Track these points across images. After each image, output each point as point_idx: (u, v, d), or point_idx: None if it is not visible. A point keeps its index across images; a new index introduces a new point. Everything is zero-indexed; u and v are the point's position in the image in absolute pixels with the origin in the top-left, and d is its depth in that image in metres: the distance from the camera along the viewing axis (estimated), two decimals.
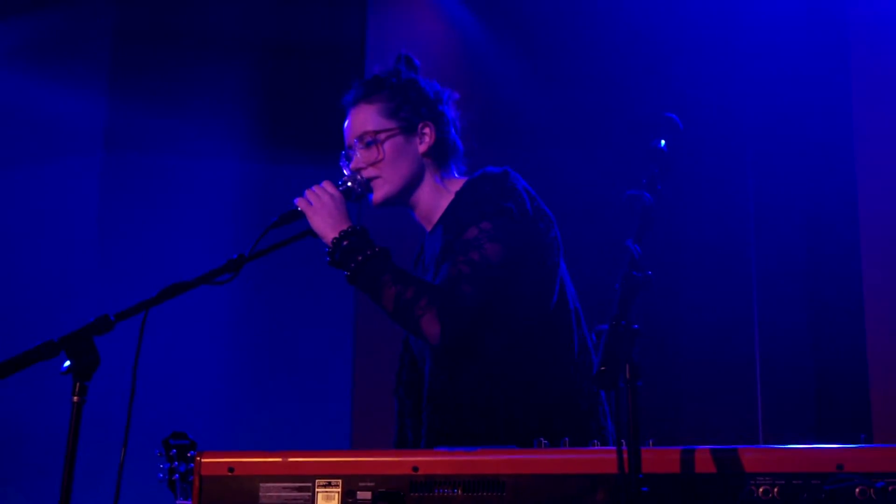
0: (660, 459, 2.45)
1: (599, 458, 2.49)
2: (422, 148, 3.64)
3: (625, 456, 2.28)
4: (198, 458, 2.67)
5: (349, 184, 3.59)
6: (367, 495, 2.57)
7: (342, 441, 6.53)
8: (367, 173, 3.61)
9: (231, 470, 2.66)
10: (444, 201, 3.62)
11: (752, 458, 2.42)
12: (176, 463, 4.46)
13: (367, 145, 3.61)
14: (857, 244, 5.56)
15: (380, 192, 3.62)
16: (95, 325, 2.90)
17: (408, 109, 3.64)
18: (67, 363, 2.84)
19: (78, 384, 2.82)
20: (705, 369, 6.13)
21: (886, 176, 5.53)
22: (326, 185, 3.55)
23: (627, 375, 2.29)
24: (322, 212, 3.49)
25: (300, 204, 3.53)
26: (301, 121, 7.06)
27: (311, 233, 3.54)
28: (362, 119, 3.64)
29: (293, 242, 3.54)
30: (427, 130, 3.65)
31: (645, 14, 6.30)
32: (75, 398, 2.81)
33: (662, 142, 2.75)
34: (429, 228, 3.70)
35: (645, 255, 2.46)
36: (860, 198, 5.57)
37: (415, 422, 3.61)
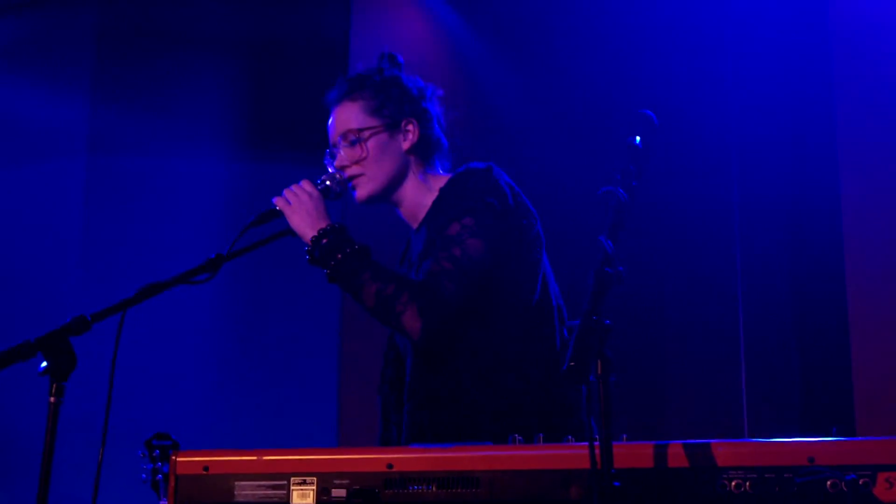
0: (632, 454, 2.45)
1: (573, 454, 2.49)
2: (405, 145, 3.65)
3: (597, 451, 2.29)
4: (173, 458, 2.69)
5: (328, 182, 3.59)
6: (342, 493, 2.58)
7: (329, 439, 6.53)
8: (350, 171, 3.61)
9: (206, 469, 2.67)
10: (429, 199, 3.62)
11: (725, 452, 2.42)
12: (159, 464, 4.47)
13: (351, 143, 3.60)
14: (839, 241, 5.57)
15: (363, 190, 3.63)
16: (72, 325, 2.90)
17: (391, 107, 3.64)
18: (44, 364, 2.85)
19: (55, 385, 2.82)
20: (691, 365, 6.13)
21: (868, 174, 5.53)
22: (305, 184, 3.56)
23: (599, 371, 2.30)
24: (300, 210, 3.49)
25: (278, 203, 3.53)
26: (284, 121, 7.05)
27: (290, 231, 3.54)
28: (346, 117, 3.65)
29: (273, 241, 3.54)
30: (410, 127, 3.65)
31: (629, 12, 6.30)
32: (52, 399, 2.81)
33: (637, 138, 2.75)
34: (414, 226, 3.70)
35: (624, 251, 2.47)
36: (843, 196, 5.58)
37: (399, 418, 3.62)
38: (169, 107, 7.02)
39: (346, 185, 3.61)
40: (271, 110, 7.15)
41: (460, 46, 6.81)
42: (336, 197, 3.61)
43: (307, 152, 6.64)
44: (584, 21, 6.45)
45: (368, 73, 3.72)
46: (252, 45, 7.23)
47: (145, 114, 6.96)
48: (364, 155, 3.60)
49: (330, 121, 3.71)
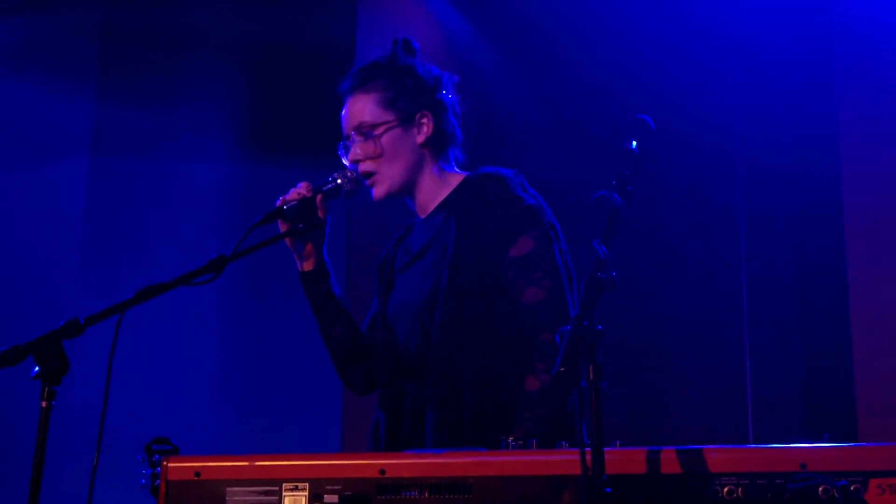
0: (625, 460, 2.44)
1: (565, 460, 2.48)
2: (420, 138, 3.57)
3: (588, 457, 2.27)
4: (164, 464, 2.68)
5: (339, 181, 3.51)
6: (334, 498, 2.56)
7: (333, 444, 6.50)
8: (364, 167, 3.54)
9: (197, 475, 2.67)
10: (443, 191, 3.58)
11: (717, 458, 2.41)
12: (158, 469, 4.46)
13: (365, 137, 3.53)
14: (842, 246, 5.56)
15: (380, 189, 3.56)
16: (64, 329, 2.87)
17: (405, 99, 3.56)
18: (37, 368, 2.83)
19: (46, 389, 2.80)
20: (695, 371, 6.11)
21: (870, 177, 5.53)
22: (303, 186, 3.50)
23: (591, 377, 2.29)
24: None
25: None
26: (290, 122, 7.03)
27: (293, 232, 3.48)
28: (359, 109, 3.56)
29: (276, 242, 3.47)
30: (425, 120, 3.57)
31: (634, 15, 6.29)
32: (43, 403, 2.79)
33: (633, 143, 2.73)
34: (422, 216, 3.64)
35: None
36: (845, 202, 5.57)
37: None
38: (173, 107, 7.00)
39: (358, 184, 3.53)
40: (276, 111, 7.12)
41: (467, 49, 6.79)
42: (348, 195, 3.54)
43: (312, 154, 6.65)
44: (590, 25, 6.43)
45: (382, 61, 3.62)
46: (257, 46, 7.21)
47: (149, 114, 6.94)
48: (379, 151, 3.52)
49: (343, 111, 3.62)
